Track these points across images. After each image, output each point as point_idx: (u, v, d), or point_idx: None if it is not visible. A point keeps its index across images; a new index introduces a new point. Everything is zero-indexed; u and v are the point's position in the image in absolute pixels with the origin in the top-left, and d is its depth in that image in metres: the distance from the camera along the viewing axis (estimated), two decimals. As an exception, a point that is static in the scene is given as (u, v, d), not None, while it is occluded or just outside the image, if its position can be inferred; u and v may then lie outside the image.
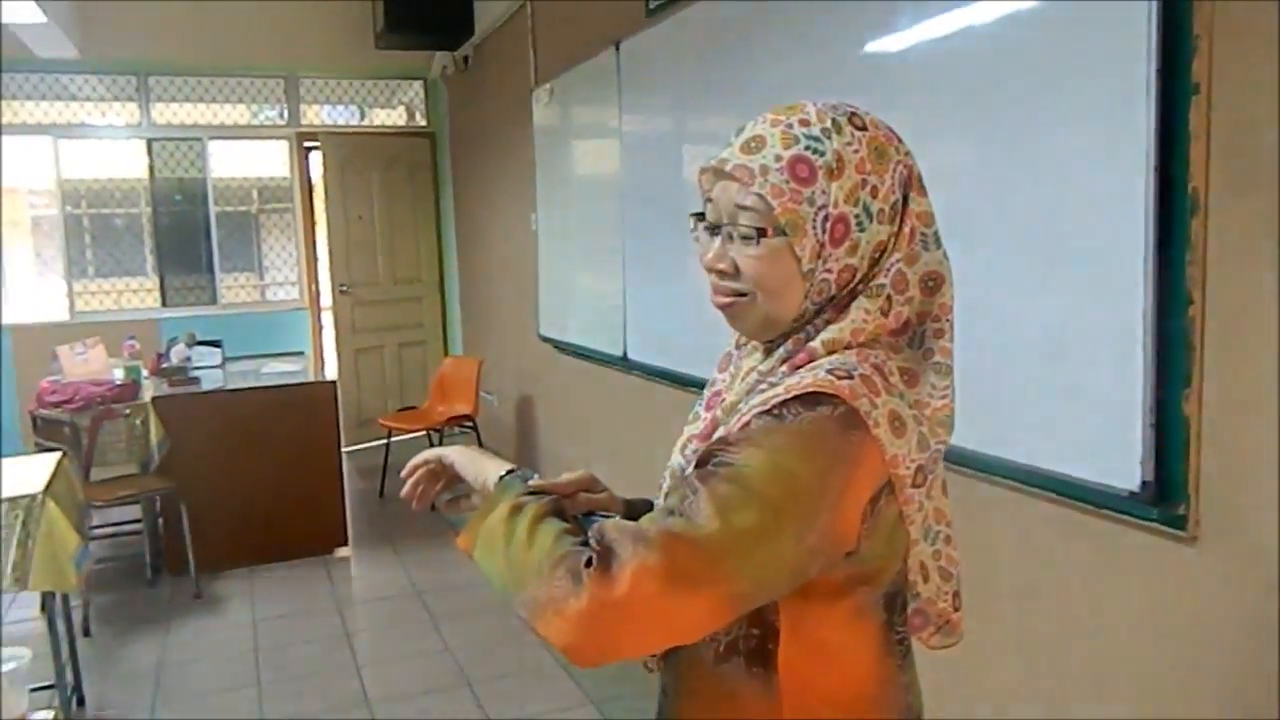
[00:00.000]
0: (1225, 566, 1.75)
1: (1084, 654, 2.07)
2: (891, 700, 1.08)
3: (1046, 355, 2.03)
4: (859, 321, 1.02)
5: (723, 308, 1.08)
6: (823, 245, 1.00)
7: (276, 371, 5.27)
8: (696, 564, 0.88)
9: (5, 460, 3.34)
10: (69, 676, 3.23)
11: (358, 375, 7.26)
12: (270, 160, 7.55)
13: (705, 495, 0.91)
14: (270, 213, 7.72)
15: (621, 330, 4.24)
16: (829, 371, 0.97)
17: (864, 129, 1.03)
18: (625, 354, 4.24)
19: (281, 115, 7.37)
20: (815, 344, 1.02)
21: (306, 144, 7.37)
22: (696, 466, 0.97)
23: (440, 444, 5.60)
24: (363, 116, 7.77)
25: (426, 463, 1.19)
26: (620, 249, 4.21)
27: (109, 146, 7.05)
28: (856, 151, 1.01)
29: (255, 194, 7.70)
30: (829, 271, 1.02)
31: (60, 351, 4.80)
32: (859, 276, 1.03)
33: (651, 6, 3.79)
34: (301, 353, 6.32)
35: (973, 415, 2.16)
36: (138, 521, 4.88)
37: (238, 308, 7.40)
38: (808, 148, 1.00)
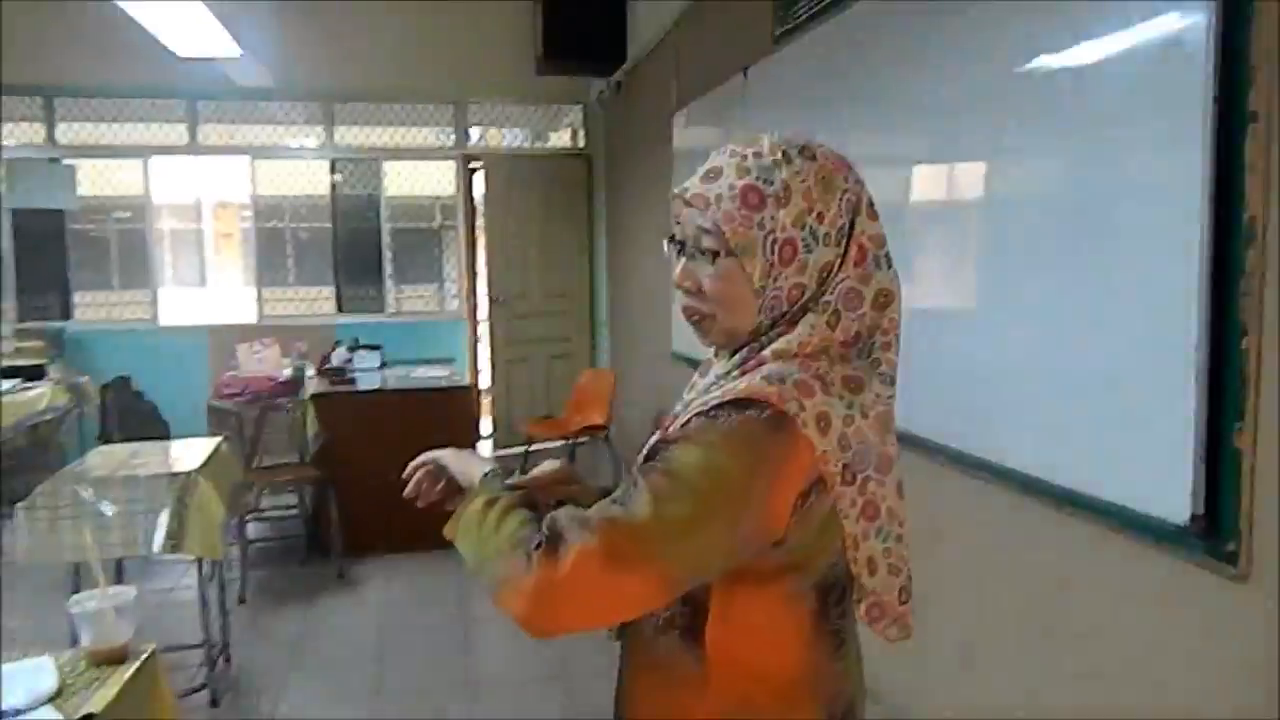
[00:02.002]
0: (1276, 606, 1.70)
1: (1125, 686, 2.04)
2: (822, 686, 1.16)
3: (1101, 382, 2.02)
4: (804, 334, 1.12)
5: (688, 320, 1.20)
6: (772, 265, 1.11)
7: (423, 375, 5.62)
8: (630, 547, 1.00)
9: (174, 443, 3.77)
10: (218, 637, 3.60)
11: (508, 383, 7.62)
12: (444, 180, 8.06)
13: (643, 486, 1.03)
14: (442, 230, 8.20)
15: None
16: (763, 378, 1.08)
17: (814, 159, 1.13)
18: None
19: (450, 138, 7.85)
20: (765, 353, 1.13)
21: (471, 165, 7.82)
22: (645, 461, 1.09)
23: (574, 453, 5.81)
24: (525, 140, 8.14)
25: (424, 464, 1.29)
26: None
27: (297, 166, 7.74)
28: (804, 181, 1.11)
29: (438, 211, 8.17)
30: (779, 289, 1.12)
31: (239, 349, 5.31)
32: (808, 294, 1.13)
33: (778, 33, 3.90)
34: (453, 359, 6.69)
35: (1028, 438, 2.19)
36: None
37: (403, 316, 7.94)
38: (759, 178, 1.11)
